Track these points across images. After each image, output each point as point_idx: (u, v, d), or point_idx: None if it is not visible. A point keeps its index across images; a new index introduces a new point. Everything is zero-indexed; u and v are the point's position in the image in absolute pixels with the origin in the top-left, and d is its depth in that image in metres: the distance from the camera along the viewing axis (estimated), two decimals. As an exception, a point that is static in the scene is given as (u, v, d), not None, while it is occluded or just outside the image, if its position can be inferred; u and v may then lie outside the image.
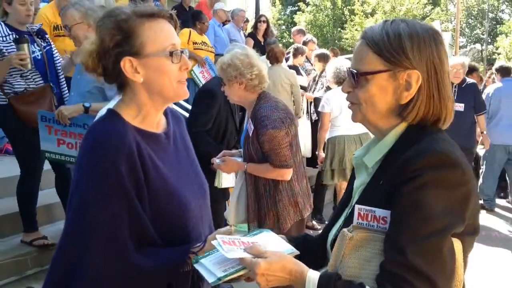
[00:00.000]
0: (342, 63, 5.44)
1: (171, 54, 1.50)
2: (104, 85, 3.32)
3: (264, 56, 6.86)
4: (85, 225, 1.43)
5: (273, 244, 1.39)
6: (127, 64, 1.49)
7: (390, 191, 1.19)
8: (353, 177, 1.46)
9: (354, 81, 1.31)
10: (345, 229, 1.26)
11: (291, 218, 3.07)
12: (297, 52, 7.57)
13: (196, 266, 1.34)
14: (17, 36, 3.76)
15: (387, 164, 1.28)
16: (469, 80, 6.63)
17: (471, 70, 9.52)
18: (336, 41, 27.06)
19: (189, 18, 7.43)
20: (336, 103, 5.32)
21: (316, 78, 6.95)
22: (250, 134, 3.03)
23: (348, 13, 27.55)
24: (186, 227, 1.57)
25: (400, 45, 1.24)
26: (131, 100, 1.56)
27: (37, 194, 4.03)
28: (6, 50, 3.70)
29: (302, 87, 6.90)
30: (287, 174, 3.03)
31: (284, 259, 1.25)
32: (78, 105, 3.47)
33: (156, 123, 1.61)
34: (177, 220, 1.54)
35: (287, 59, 7.56)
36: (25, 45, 3.65)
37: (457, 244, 1.19)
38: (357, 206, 1.27)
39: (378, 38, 1.27)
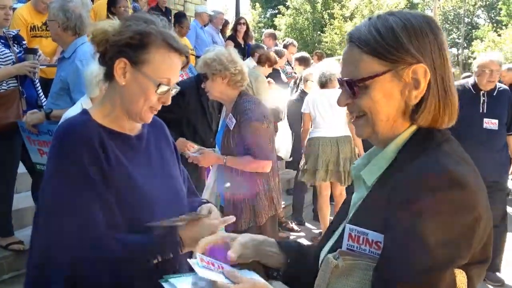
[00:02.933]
0: (330, 64, 5.51)
1: (159, 85, 1.56)
2: (72, 88, 3.36)
3: (248, 60, 6.89)
4: (55, 213, 1.47)
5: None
6: (120, 64, 1.55)
7: (383, 211, 1.04)
8: (352, 188, 1.29)
9: (352, 91, 1.13)
10: (330, 256, 1.08)
11: (266, 212, 3.15)
12: (277, 55, 7.60)
13: (165, 285, 1.21)
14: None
15: (386, 179, 1.11)
16: (501, 85, 4.63)
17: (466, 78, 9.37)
18: (316, 44, 27.26)
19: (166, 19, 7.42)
20: (313, 105, 5.40)
21: (297, 81, 7.00)
22: (231, 128, 3.08)
23: (328, 17, 27.79)
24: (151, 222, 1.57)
25: (396, 39, 1.08)
26: (108, 97, 1.64)
27: (12, 198, 3.96)
28: None
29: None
30: (267, 166, 3.10)
31: (257, 285, 1.15)
32: (39, 112, 3.50)
33: (128, 127, 1.66)
34: (141, 214, 1.55)
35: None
36: (31, 56, 3.78)
37: (460, 276, 1.01)
38: (348, 226, 1.10)
39: (369, 37, 1.11)
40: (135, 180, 1.58)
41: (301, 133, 5.75)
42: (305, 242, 5.71)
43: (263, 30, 33.15)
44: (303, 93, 6.15)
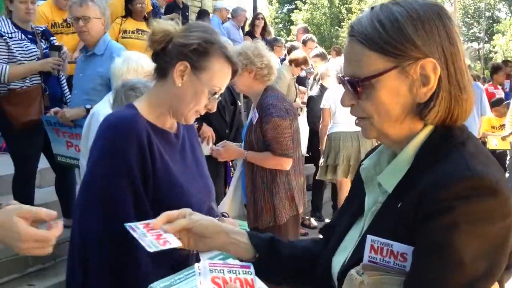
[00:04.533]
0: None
1: (213, 94, 1.65)
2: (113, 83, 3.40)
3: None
4: (92, 199, 1.56)
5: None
6: (181, 67, 1.61)
7: (411, 221, 0.95)
8: (358, 187, 1.19)
9: (356, 91, 1.04)
10: (353, 272, 1.00)
11: (286, 212, 3.10)
12: (292, 50, 7.56)
13: None
14: (26, 36, 3.82)
15: (406, 184, 1.02)
16: None
17: (496, 69, 9.40)
18: (334, 40, 27.10)
19: (183, 15, 7.47)
20: (333, 100, 5.35)
21: (317, 77, 6.96)
22: (254, 122, 3.07)
23: (346, 12, 27.58)
24: None
25: (401, 32, 0.99)
26: (157, 94, 1.68)
27: (33, 192, 4.01)
28: (14, 48, 3.70)
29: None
30: (287, 163, 3.06)
31: None
32: (80, 108, 3.56)
33: (169, 124, 1.72)
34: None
35: (283, 59, 7.58)
36: (56, 53, 3.83)
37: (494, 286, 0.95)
38: (370, 237, 1.00)
39: (371, 31, 1.01)
40: (175, 176, 1.63)
41: (320, 129, 5.71)
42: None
43: (280, 25, 33.10)
44: (323, 88, 6.11)
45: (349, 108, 1.10)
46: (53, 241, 1.21)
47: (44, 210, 1.23)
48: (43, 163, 4.12)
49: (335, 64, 5.72)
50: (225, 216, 1.84)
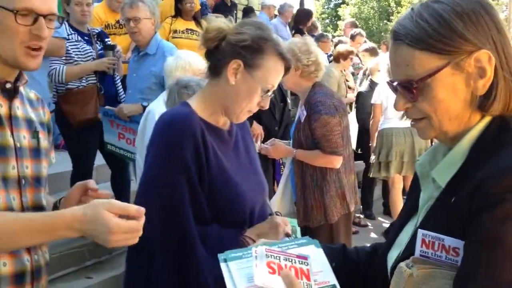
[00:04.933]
0: None
1: (266, 91, 1.64)
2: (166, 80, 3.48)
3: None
4: (149, 197, 1.59)
5: (317, 267, 1.17)
6: (234, 65, 1.61)
7: (465, 215, 0.94)
8: (415, 184, 1.20)
9: (411, 93, 1.03)
10: (402, 264, 1.01)
11: (338, 210, 3.05)
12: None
13: (222, 265, 1.13)
14: (82, 37, 3.95)
15: (460, 178, 1.01)
16: None
17: None
18: (382, 34, 26.54)
19: (231, 13, 7.52)
20: (385, 95, 5.25)
21: (367, 72, 6.84)
22: (302, 120, 3.04)
23: (395, 5, 26.94)
24: (240, 216, 1.66)
25: (450, 27, 0.98)
26: (210, 92, 1.69)
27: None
28: (71, 49, 3.84)
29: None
30: (337, 161, 3.01)
31: None
32: (137, 104, 3.68)
33: (222, 122, 1.73)
34: (232, 208, 1.63)
35: (330, 55, 7.49)
36: (110, 52, 3.94)
37: None
38: (421, 232, 1.01)
39: (418, 31, 1.00)
40: (229, 174, 1.64)
41: (371, 125, 5.61)
42: (375, 237, 5.60)
43: (327, 21, 32.74)
44: (373, 84, 5.99)
45: (399, 111, 1.09)
46: (140, 231, 1.24)
47: (134, 207, 1.25)
48: (99, 159, 4.25)
49: (386, 59, 5.60)
50: (278, 215, 1.83)
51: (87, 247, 3.75)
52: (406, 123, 5.05)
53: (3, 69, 1.36)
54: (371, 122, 5.62)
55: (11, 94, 1.40)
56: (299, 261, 1.13)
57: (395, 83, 1.06)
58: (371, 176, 5.67)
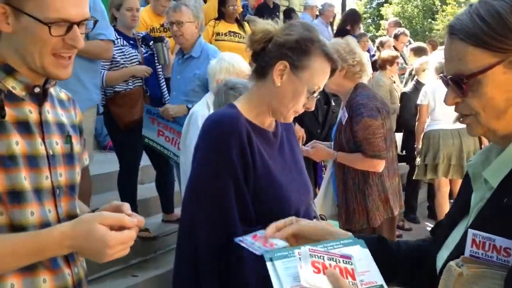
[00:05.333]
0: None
1: (312, 92, 1.64)
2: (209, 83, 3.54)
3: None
4: (197, 197, 1.61)
5: (363, 267, 1.17)
6: (281, 66, 1.62)
7: None
8: (467, 185, 1.19)
9: (461, 89, 1.03)
10: (452, 263, 1.00)
11: (381, 214, 2.99)
12: (381, 45, 7.32)
13: (268, 264, 1.14)
14: (128, 42, 4.06)
15: None
16: None
17: None
18: (427, 33, 25.93)
19: (274, 15, 7.53)
20: (433, 97, 5.12)
21: (413, 72, 6.70)
22: (344, 123, 3.00)
23: (440, 3, 26.28)
24: (284, 217, 1.60)
25: (505, 25, 0.97)
26: (256, 93, 1.70)
27: (136, 187, 4.26)
28: (116, 53, 3.95)
29: None
30: (379, 165, 2.94)
31: None
32: (182, 105, 3.75)
33: (267, 123, 1.73)
34: (276, 209, 1.62)
35: (373, 55, 7.38)
36: (159, 44, 4.10)
37: None
38: (471, 231, 1.01)
39: (473, 27, 1.00)
40: (274, 175, 1.65)
41: (417, 127, 5.47)
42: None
43: (369, 20, 32.26)
44: (419, 84, 5.85)
45: (449, 105, 1.10)
46: (132, 241, 1.20)
47: (127, 218, 1.19)
48: (144, 160, 4.35)
49: (433, 59, 5.46)
50: (322, 219, 1.82)
51: (134, 246, 3.85)
52: (454, 124, 5.00)
53: (31, 75, 1.28)
54: (416, 123, 5.49)
55: (41, 98, 1.31)
56: (343, 260, 1.13)
57: (447, 77, 1.06)
58: (415, 178, 5.55)
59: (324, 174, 4.10)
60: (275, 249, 1.20)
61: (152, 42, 4.26)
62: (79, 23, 1.24)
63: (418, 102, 5.39)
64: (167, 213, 4.44)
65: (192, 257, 1.63)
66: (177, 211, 4.34)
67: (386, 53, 6.29)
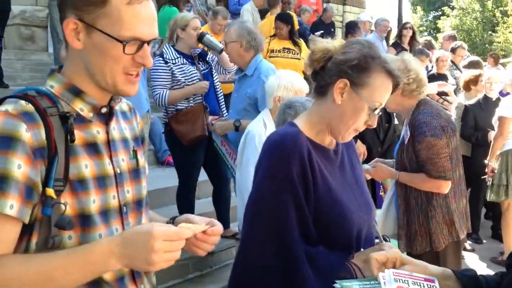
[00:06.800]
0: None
1: (374, 110, 1.61)
2: (260, 103, 3.57)
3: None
4: (257, 217, 1.61)
5: None
6: (341, 84, 1.61)
7: None
8: None
9: None
10: None
11: (445, 237, 2.83)
12: (422, 55, 7.07)
13: None
14: (187, 60, 4.18)
15: None
16: None
17: None
18: (487, 46, 25.02)
19: (329, 31, 7.55)
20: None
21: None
22: (406, 141, 2.91)
23: (500, 15, 25.34)
24: (346, 237, 1.62)
25: None
26: (317, 112, 1.70)
27: (193, 202, 4.34)
28: (177, 72, 4.08)
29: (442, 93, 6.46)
30: (444, 186, 2.80)
31: None
32: (230, 122, 3.80)
33: (328, 141, 1.72)
34: (338, 229, 1.60)
35: (429, 71, 7.20)
36: (205, 38, 4.21)
37: None
38: None
39: None
40: (336, 194, 1.63)
41: (495, 141, 5.05)
42: (482, 263, 5.24)
43: (425, 34, 31.54)
44: (485, 99, 5.58)
45: None
46: (179, 252, 1.12)
47: (175, 231, 1.13)
48: (200, 176, 4.42)
49: (495, 72, 5.23)
50: (386, 239, 1.77)
51: (192, 260, 3.93)
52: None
53: (98, 94, 1.26)
54: (494, 137, 5.06)
55: (107, 117, 1.31)
56: (427, 284, 1.12)
57: None
58: (490, 199, 5.20)
59: (381, 192, 4.03)
60: (346, 280, 1.19)
61: (205, 62, 4.35)
62: (148, 42, 1.23)
63: (503, 114, 4.96)
64: (223, 228, 4.49)
65: (249, 275, 1.63)
66: (233, 226, 4.39)
67: (468, 74, 6.05)
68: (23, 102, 1.18)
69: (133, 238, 1.10)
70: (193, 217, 1.34)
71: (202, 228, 1.23)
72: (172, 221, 1.39)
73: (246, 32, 3.73)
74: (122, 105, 1.43)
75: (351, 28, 7.76)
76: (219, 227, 1.30)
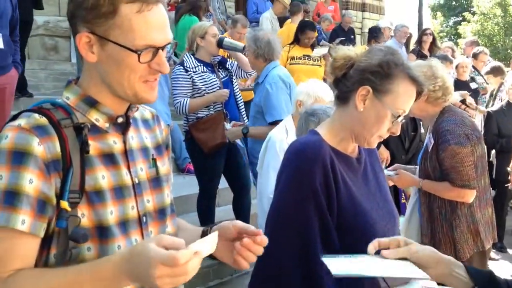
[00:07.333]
0: None
1: (397, 117, 1.60)
2: (264, 111, 3.61)
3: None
4: (280, 226, 1.61)
5: None
6: (363, 91, 1.60)
7: None
8: None
9: None
10: None
11: (470, 247, 2.77)
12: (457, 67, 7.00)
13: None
14: (207, 68, 4.21)
15: None
16: None
17: None
18: (509, 51, 24.65)
19: (349, 37, 7.54)
20: None
21: (494, 93, 6.38)
22: (429, 149, 2.86)
23: (523, 19, 24.98)
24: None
25: None
26: (339, 120, 1.69)
27: (214, 210, 4.35)
28: (197, 80, 4.11)
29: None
30: (469, 196, 2.74)
31: None
32: (238, 129, 3.87)
33: (351, 149, 1.71)
34: (361, 237, 1.57)
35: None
36: (224, 40, 4.22)
37: None
38: None
39: None
40: (359, 202, 1.62)
41: None
42: (508, 272, 5.12)
43: (445, 39, 31.21)
44: (509, 105, 5.50)
45: None
46: (188, 267, 1.00)
47: (182, 242, 1.04)
48: (221, 183, 4.44)
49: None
50: None
51: (212, 268, 3.93)
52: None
53: (114, 104, 1.25)
54: None
55: (124, 126, 1.28)
56: None
57: None
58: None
59: (403, 200, 3.98)
60: None
61: (225, 69, 4.38)
62: (163, 48, 1.21)
63: None
64: (243, 236, 4.48)
65: (269, 285, 1.62)
66: (253, 234, 4.37)
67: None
68: (36, 115, 1.17)
69: (138, 252, 1.04)
70: (227, 225, 1.28)
71: (212, 250, 1.06)
72: (210, 228, 1.35)
73: (253, 40, 3.80)
74: (144, 112, 1.41)
75: (374, 33, 7.73)
76: (265, 237, 1.23)
